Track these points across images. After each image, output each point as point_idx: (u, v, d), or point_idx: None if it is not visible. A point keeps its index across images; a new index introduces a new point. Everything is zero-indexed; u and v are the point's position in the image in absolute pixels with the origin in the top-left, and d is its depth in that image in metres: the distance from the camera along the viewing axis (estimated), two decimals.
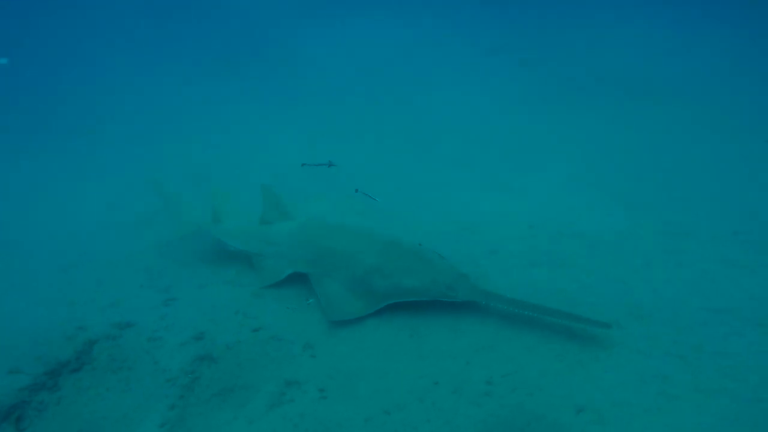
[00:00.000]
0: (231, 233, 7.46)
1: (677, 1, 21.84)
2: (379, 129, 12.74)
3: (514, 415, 4.59)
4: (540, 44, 19.31)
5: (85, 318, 6.28)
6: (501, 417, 4.58)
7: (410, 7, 25.58)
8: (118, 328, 6.06)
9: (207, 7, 25.05)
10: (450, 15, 24.18)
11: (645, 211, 8.01)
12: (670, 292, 6.07)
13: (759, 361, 4.99)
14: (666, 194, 8.47)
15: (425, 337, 5.65)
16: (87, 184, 11.06)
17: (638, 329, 5.46)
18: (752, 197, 8.20)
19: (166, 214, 8.71)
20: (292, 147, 11.84)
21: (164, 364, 5.54)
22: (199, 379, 5.33)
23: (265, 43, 22.32)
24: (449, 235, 7.76)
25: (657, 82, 14.41)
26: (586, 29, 20.48)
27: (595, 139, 11.06)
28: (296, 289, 6.62)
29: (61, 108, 17.20)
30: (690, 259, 6.68)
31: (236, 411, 4.91)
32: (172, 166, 11.38)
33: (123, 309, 6.49)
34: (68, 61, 22.31)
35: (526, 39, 20.15)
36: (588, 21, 21.44)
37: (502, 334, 5.59)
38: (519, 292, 6.01)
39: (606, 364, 5.09)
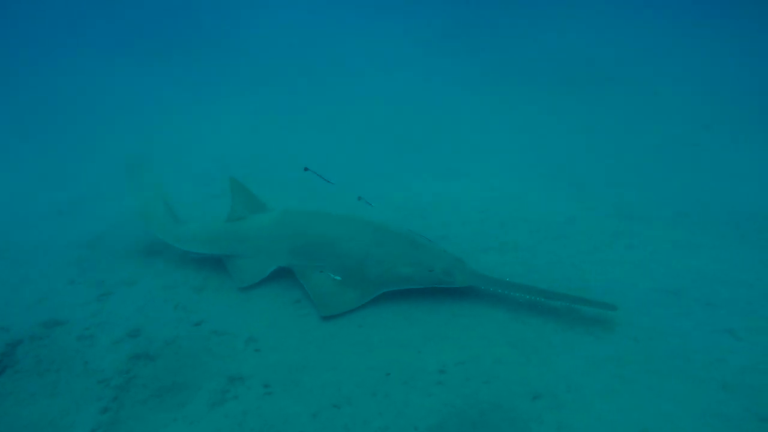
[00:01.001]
0: (195, 237, 6.73)
1: None
2: (329, 114, 12.42)
3: (468, 405, 4.43)
4: (492, 31, 19.30)
5: (7, 317, 5.81)
6: (455, 407, 4.42)
7: None
8: (44, 328, 5.63)
9: None
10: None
11: (594, 195, 8.01)
12: (621, 274, 6.05)
13: (709, 340, 4.99)
14: (613, 179, 8.51)
15: (375, 326, 5.44)
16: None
17: (590, 312, 5.39)
18: (695, 180, 8.32)
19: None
20: (236, 134, 11.40)
21: (96, 364, 5.15)
22: (135, 378, 4.97)
23: (203, 27, 21.57)
24: (398, 220, 7.56)
25: (604, 69, 14.59)
26: (537, 17, 20.60)
27: (545, 125, 11.07)
28: None
29: None
30: (638, 242, 6.69)
31: (176, 411, 4.59)
32: (101, 156, 10.71)
33: (50, 306, 6.04)
34: None
35: (478, 25, 20.11)
36: (539, 9, 21.57)
37: (455, 323, 5.44)
38: None
39: (560, 349, 4.99)
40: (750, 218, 7.10)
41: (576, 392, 4.50)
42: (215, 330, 5.53)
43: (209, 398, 4.68)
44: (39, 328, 5.60)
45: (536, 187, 8.35)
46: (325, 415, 4.40)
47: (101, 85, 15.73)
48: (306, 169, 5.94)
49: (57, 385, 4.92)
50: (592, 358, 4.86)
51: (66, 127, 12.63)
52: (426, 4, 22.61)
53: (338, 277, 5.67)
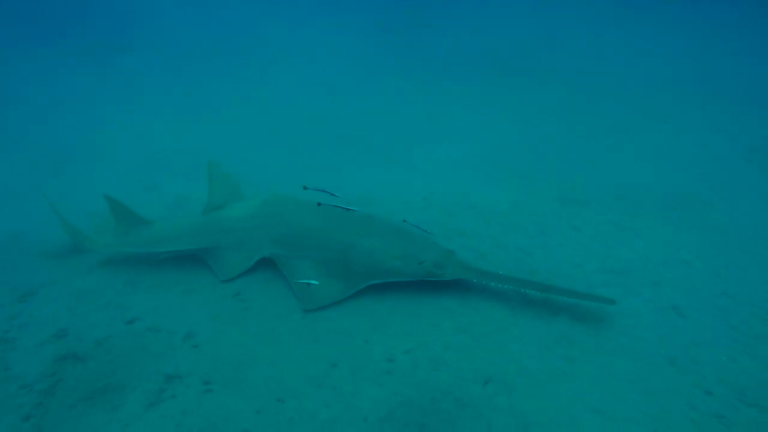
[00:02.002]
0: (170, 235, 6.15)
1: None
2: (268, 106, 12.06)
3: (418, 393, 4.30)
4: (430, 26, 19.26)
5: None
6: (405, 395, 4.27)
7: None
8: None
9: None
10: None
11: (535, 181, 8.01)
12: (567, 257, 6.04)
13: (655, 318, 5.02)
14: (554, 165, 8.54)
15: (319, 317, 5.24)
16: None
17: (539, 295, 5.34)
18: (632, 165, 8.44)
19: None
20: (168, 128, 10.92)
21: (17, 369, 4.75)
22: (62, 381, 4.61)
23: (130, 20, 20.73)
24: None
25: (542, 61, 14.74)
26: (475, 12, 20.71)
27: (485, 116, 11.04)
28: (175, 275, 5.97)
29: None
30: (582, 224, 6.71)
31: (109, 414, 4.27)
32: (17, 152, 9.99)
33: None
34: None
35: (418, 21, 20.04)
36: (476, 4, 21.70)
37: (402, 310, 5.29)
38: None
39: (510, 334, 4.92)
40: (687, 200, 7.24)
41: (527, 375, 4.43)
42: (150, 327, 5.21)
43: (145, 399, 4.39)
44: None
45: (479, 176, 8.30)
46: (270, 411, 4.19)
47: (23, 80, 14.86)
48: (305, 188, 5.43)
49: None
50: (542, 341, 4.81)
51: None
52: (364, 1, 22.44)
53: (315, 281, 5.32)
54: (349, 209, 5.42)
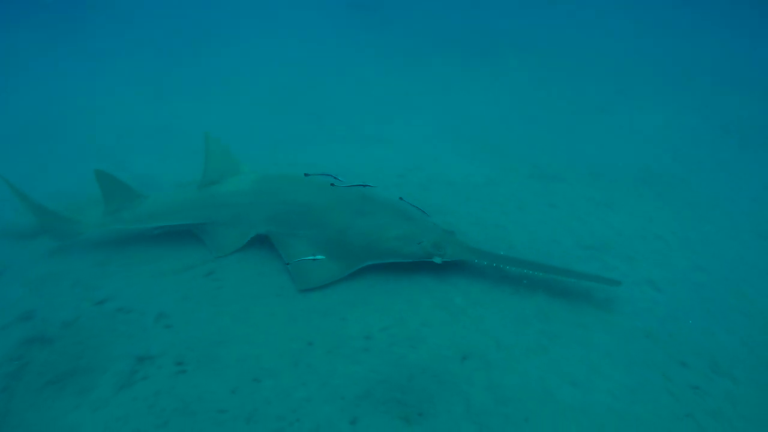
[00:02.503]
0: (164, 210, 5.99)
1: None
2: (238, 82, 11.82)
3: (396, 370, 4.25)
4: (402, 1, 19.02)
5: None
6: (382, 373, 4.23)
7: None
8: None
9: None
10: None
11: (511, 157, 7.98)
12: (544, 233, 6.03)
13: (632, 292, 5.04)
14: (529, 141, 8.52)
15: (295, 296, 5.15)
16: None
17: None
18: (606, 142, 8.47)
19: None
20: (137, 105, 10.63)
21: None
22: (29, 365, 4.46)
23: None
24: None
25: (515, 39, 14.67)
26: None
27: (460, 93, 10.97)
28: (147, 254, 5.82)
29: None
30: (558, 201, 6.71)
31: (78, 398, 4.15)
32: None
33: None
34: None
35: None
36: None
37: (379, 288, 5.23)
38: None
39: (488, 309, 4.90)
40: (661, 177, 7.29)
41: (505, 350, 4.42)
42: (121, 308, 5.06)
43: (116, 381, 4.27)
44: None
45: (454, 152, 8.24)
46: (245, 390, 4.10)
47: None
48: (306, 174, 5.42)
49: None
50: (519, 315, 4.80)
51: None
52: None
53: (321, 256, 5.16)
54: (349, 185, 5.25)
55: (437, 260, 5.18)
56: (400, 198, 5.54)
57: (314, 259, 5.21)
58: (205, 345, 4.57)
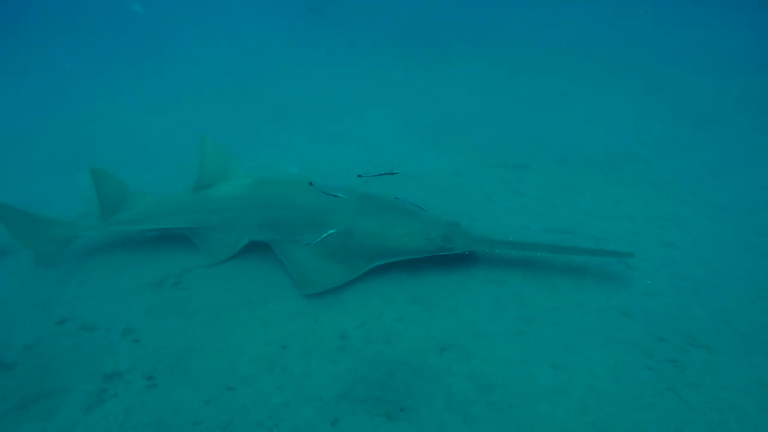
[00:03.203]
0: (159, 211, 5.87)
1: None
2: (200, 87, 11.58)
3: (374, 367, 4.16)
4: (354, 2, 18.96)
5: None
6: (360, 371, 4.13)
7: None
8: None
9: None
10: None
11: (476, 148, 7.97)
12: (513, 219, 6.01)
13: (604, 272, 5.04)
14: (493, 131, 8.52)
15: (264, 300, 5.02)
16: None
17: (487, 258, 5.28)
18: (569, 127, 8.51)
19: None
20: (99, 113, 10.33)
21: None
22: None
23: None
24: None
25: (477, 32, 14.74)
26: None
27: (421, 88, 10.95)
28: (110, 267, 5.62)
29: None
30: (526, 188, 6.71)
31: (44, 422, 3.96)
32: None
33: None
34: None
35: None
36: None
37: (351, 286, 5.12)
38: None
39: (463, 300, 4.84)
40: (624, 158, 7.35)
41: (484, 339, 4.36)
42: (84, 325, 4.87)
43: (83, 402, 4.09)
44: None
45: (419, 146, 8.20)
46: (221, 399, 3.96)
47: None
48: (360, 175, 5.00)
49: None
50: (495, 303, 4.75)
51: None
52: None
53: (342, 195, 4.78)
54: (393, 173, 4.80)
55: (450, 252, 5.08)
56: (396, 198, 5.50)
57: (319, 263, 5.10)
58: (176, 356, 4.41)
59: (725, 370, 3.90)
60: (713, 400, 3.65)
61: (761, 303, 4.57)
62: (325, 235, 4.91)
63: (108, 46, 15.48)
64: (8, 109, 10.90)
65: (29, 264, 5.78)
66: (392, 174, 4.66)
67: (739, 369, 3.91)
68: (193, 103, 10.69)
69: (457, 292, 4.93)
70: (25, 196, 7.15)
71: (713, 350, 4.08)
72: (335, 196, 4.77)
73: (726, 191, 6.26)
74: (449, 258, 5.31)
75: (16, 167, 8.12)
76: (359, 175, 4.86)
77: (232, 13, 18.20)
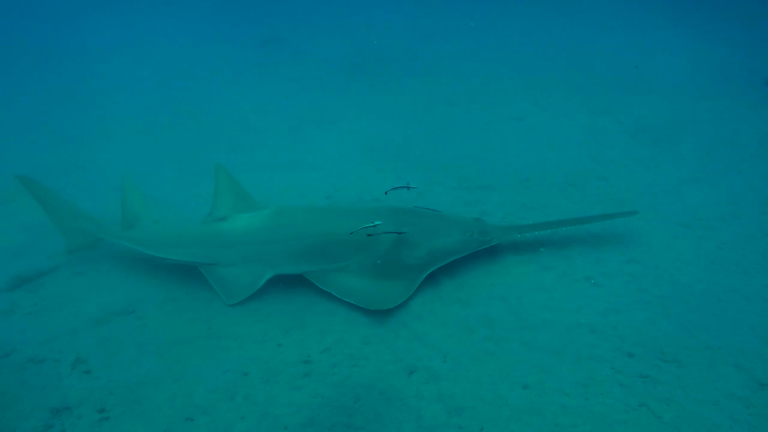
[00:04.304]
0: (168, 241, 5.53)
1: None
2: (149, 118, 11.32)
3: (340, 392, 4.01)
4: (311, 33, 18.97)
5: None
6: (326, 396, 3.97)
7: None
8: None
9: None
10: (217, 7, 22.97)
11: (438, 171, 7.92)
12: None
13: (571, 289, 5.00)
14: (453, 155, 8.49)
15: (224, 326, 4.84)
16: None
17: (452, 280, 5.21)
18: (528, 148, 8.57)
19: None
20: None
21: None
22: None
23: None
24: None
25: (430, 59, 14.83)
26: (356, 16, 20.70)
27: (382, 114, 10.87)
28: (61, 295, 5.35)
29: None
30: (490, 208, 6.67)
31: None
32: None
33: None
34: None
35: (298, 29, 19.70)
36: (357, 7, 21.73)
37: (314, 309, 4.99)
38: None
39: (429, 321, 4.74)
40: (584, 177, 7.39)
41: (452, 361, 4.26)
42: (32, 358, 4.60)
43: None
44: None
45: (379, 170, 8.11)
46: (178, 431, 3.75)
47: None
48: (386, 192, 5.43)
49: None
50: (463, 324, 4.66)
51: None
52: (235, 13, 21.80)
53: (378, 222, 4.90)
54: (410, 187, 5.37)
55: (489, 245, 5.36)
56: (415, 207, 5.69)
57: (376, 284, 5.03)
58: (130, 388, 4.19)
59: (695, 383, 3.86)
60: (686, 414, 3.61)
61: (725, 316, 4.58)
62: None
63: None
64: None
65: None
66: (410, 188, 5.30)
67: (709, 382, 3.88)
68: (147, 133, 10.45)
69: (422, 314, 4.83)
70: None
71: (683, 364, 4.05)
72: (409, 187, 5.31)
73: (684, 208, 6.34)
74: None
75: None
76: (386, 192, 5.38)
77: (188, 43, 18.02)
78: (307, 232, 5.31)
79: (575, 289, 5.00)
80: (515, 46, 15.45)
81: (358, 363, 4.30)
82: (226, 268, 5.30)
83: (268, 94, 12.82)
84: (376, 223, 4.87)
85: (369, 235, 5.01)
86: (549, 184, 7.28)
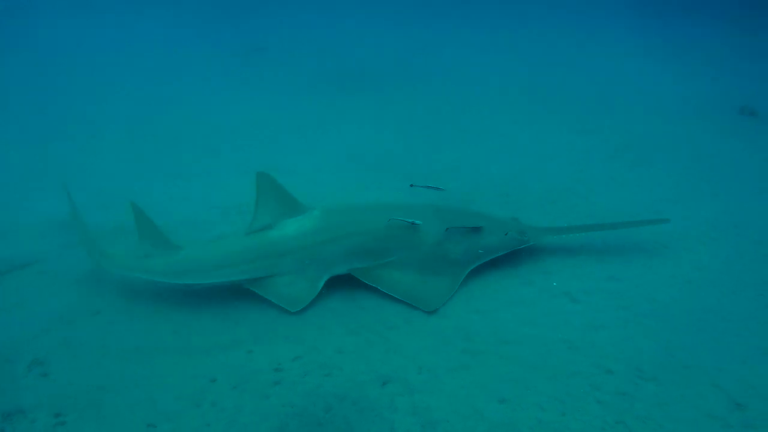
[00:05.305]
0: (208, 264, 5.05)
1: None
2: (130, 119, 11.10)
3: (311, 401, 3.86)
4: (299, 42, 18.92)
5: None
6: (296, 406, 3.82)
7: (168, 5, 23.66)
8: None
9: None
10: (201, 16, 22.85)
11: (422, 182, 7.86)
12: None
13: (550, 305, 4.94)
14: (435, 168, 8.44)
15: (193, 331, 4.67)
16: None
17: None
18: (508, 163, 8.56)
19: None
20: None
21: None
22: None
23: None
24: (216, 217, 6.83)
25: (414, 72, 14.85)
26: (342, 27, 20.73)
27: (364, 124, 10.82)
28: (19, 293, 5.12)
29: None
30: None
31: None
32: None
33: None
34: None
35: (285, 38, 19.65)
36: (343, 19, 21.77)
37: (287, 317, 4.84)
38: None
39: (405, 332, 4.63)
40: (563, 194, 7.38)
41: (427, 372, 4.15)
42: None
43: None
44: None
45: (359, 180, 8.02)
46: None
47: None
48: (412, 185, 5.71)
49: None
50: (438, 336, 4.56)
51: None
52: (222, 22, 21.71)
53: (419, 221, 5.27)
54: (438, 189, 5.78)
55: (526, 245, 5.52)
56: (411, 185, 5.90)
57: (422, 279, 5.15)
58: (89, 392, 3.99)
59: (673, 401, 3.80)
60: None
61: (701, 335, 4.54)
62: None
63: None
64: None
65: None
66: (439, 189, 5.70)
67: (687, 400, 3.82)
68: (126, 136, 10.25)
69: (398, 324, 4.72)
70: None
71: (660, 382, 3.99)
72: (437, 188, 5.72)
73: (662, 228, 6.33)
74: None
75: None
76: (411, 185, 5.72)
77: (170, 49, 17.84)
78: (358, 229, 5.32)
79: (554, 305, 4.93)
80: (500, 62, 15.56)
81: (331, 372, 4.16)
82: (280, 277, 5.11)
83: (252, 101, 12.69)
84: (417, 221, 5.26)
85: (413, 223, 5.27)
86: (528, 199, 7.26)
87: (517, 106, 11.69)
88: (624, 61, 15.41)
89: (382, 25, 20.57)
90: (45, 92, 13.23)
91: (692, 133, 9.82)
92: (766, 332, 4.59)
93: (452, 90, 13.06)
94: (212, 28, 21.01)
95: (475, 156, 8.95)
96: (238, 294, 5.05)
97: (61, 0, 23.43)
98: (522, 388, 3.94)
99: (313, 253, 5.17)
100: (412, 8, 23.66)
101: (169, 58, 17.08)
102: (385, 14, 21.84)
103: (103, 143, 9.89)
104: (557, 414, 3.70)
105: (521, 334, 4.54)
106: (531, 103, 11.85)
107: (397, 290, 5.01)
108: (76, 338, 4.56)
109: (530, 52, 16.82)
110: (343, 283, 5.15)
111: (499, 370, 4.14)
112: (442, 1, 24.54)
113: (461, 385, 3.99)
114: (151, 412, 3.79)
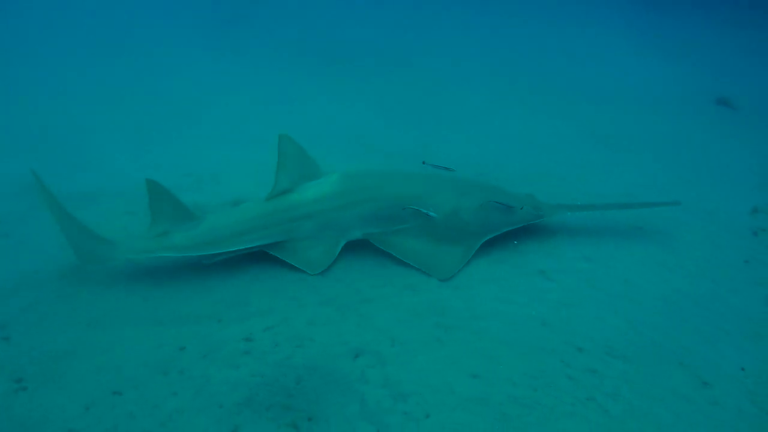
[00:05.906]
0: (232, 231, 4.91)
1: None
2: (115, 89, 10.82)
3: (281, 372, 3.82)
4: (279, 13, 18.59)
5: None
6: (266, 376, 3.78)
7: None
8: None
9: None
10: None
11: (398, 159, 7.83)
12: None
13: (525, 282, 4.95)
14: (416, 145, 8.39)
15: (164, 299, 4.58)
16: None
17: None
18: (488, 143, 8.57)
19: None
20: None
21: None
22: None
23: None
24: (189, 186, 6.69)
25: (396, 51, 14.72)
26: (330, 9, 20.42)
27: (345, 100, 10.71)
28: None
29: None
30: None
31: None
32: None
33: None
34: None
35: (265, 8, 19.28)
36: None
37: (259, 286, 4.79)
38: None
39: (379, 305, 4.60)
40: (543, 176, 7.38)
41: (400, 346, 4.12)
42: None
43: None
44: None
45: (342, 154, 7.90)
46: (103, 405, 3.50)
47: None
48: (424, 162, 5.56)
49: None
50: (413, 310, 4.53)
51: None
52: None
53: (434, 214, 5.15)
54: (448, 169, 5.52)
55: (541, 219, 5.54)
56: (423, 162, 5.68)
57: (435, 248, 5.17)
58: (52, 357, 3.90)
59: (642, 379, 3.84)
60: (631, 409, 3.57)
61: (671, 315, 4.59)
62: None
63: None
64: None
65: None
66: (449, 169, 5.47)
67: (654, 378, 3.86)
68: (103, 102, 10.00)
69: (372, 297, 4.69)
70: None
71: (629, 360, 4.02)
72: (447, 169, 5.48)
73: (637, 212, 6.37)
74: (364, 259, 5.09)
75: None
76: (423, 162, 5.57)
77: (150, 14, 17.43)
78: (376, 195, 5.31)
79: (528, 282, 4.94)
80: (485, 46, 15.52)
81: (303, 343, 4.12)
82: (300, 242, 5.12)
83: (234, 72, 12.52)
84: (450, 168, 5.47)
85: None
86: (504, 179, 7.24)
87: (499, 89, 11.67)
88: (607, 52, 15.47)
89: (370, 4, 20.30)
90: (14, 51, 12.83)
91: (670, 123, 9.91)
92: (732, 315, 4.67)
93: (437, 71, 13.01)
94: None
95: (455, 134, 8.94)
96: (210, 265, 4.95)
97: None
98: (494, 364, 3.94)
99: (332, 218, 5.20)
100: None
101: (150, 26, 16.68)
102: None
103: (74, 108, 9.63)
104: (529, 389, 3.71)
105: (495, 310, 4.53)
106: (513, 87, 11.84)
107: (410, 257, 5.05)
108: (40, 303, 4.44)
109: (515, 37, 16.79)
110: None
111: (472, 346, 4.14)
112: None
113: (433, 359, 3.98)
114: (117, 378, 3.71)
